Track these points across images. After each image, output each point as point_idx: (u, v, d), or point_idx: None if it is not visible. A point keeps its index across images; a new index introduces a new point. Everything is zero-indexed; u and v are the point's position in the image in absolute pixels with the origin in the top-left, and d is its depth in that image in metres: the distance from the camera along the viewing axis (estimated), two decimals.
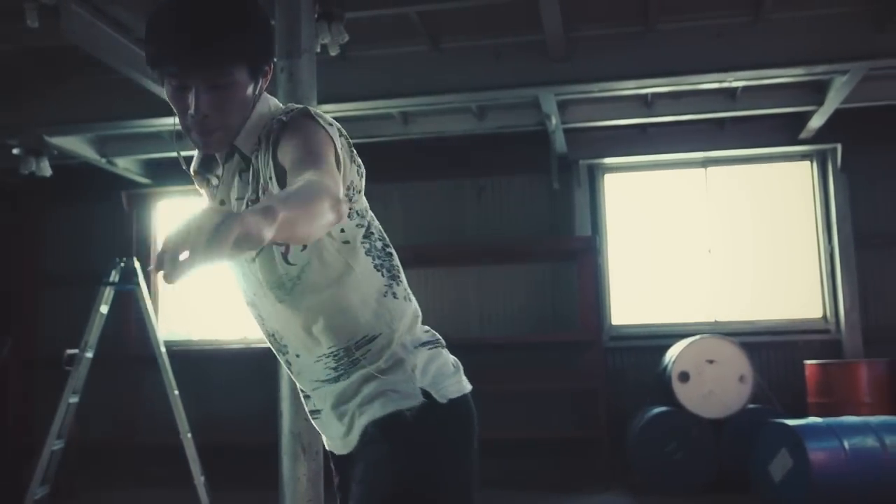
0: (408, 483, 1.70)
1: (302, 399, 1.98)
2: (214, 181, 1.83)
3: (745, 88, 6.81)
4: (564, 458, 7.90)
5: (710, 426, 6.98)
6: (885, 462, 6.20)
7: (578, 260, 8.21)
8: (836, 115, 7.15)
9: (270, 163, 1.69)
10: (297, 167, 1.53)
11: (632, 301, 8.38)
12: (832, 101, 6.77)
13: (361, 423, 1.79)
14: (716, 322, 8.24)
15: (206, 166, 1.84)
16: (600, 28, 5.71)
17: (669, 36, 5.61)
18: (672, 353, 7.27)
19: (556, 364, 8.08)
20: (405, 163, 8.22)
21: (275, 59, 2.01)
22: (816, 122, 7.28)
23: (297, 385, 1.94)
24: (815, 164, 8.29)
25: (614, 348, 8.07)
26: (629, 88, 6.48)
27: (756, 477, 6.49)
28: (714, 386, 7.05)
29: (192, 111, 1.67)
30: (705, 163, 8.42)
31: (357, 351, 1.79)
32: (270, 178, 1.69)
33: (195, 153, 1.84)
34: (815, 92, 6.97)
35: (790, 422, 6.40)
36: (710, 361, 7.08)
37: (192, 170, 1.87)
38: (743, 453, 6.68)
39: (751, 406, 7.04)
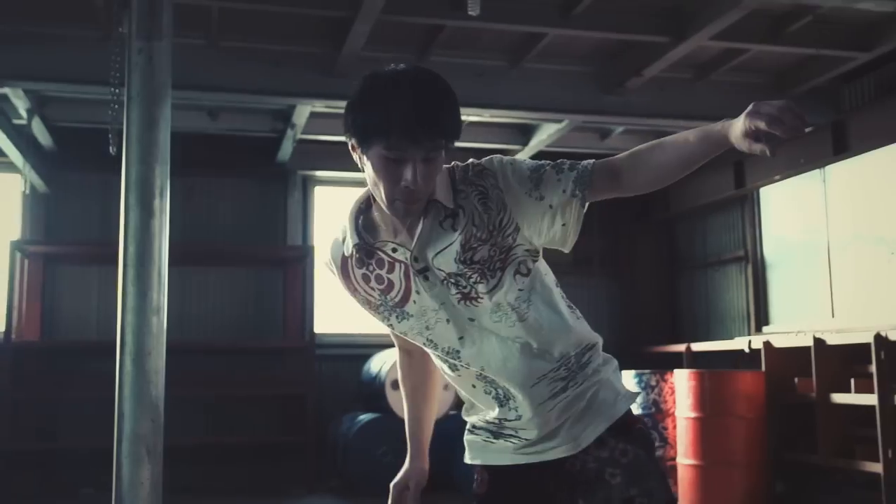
0: (666, 481, 1.96)
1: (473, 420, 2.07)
2: (391, 246, 1.89)
3: (470, 123, 7.50)
4: (272, 463, 7.95)
5: None
6: None
7: (288, 268, 8.33)
8: (537, 156, 8.14)
9: (523, 188, 1.83)
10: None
11: (334, 311, 8.68)
12: (535, 146, 7.73)
13: (598, 424, 1.92)
14: None
15: (369, 235, 1.92)
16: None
17: (437, 68, 6.04)
18: (384, 362, 7.69)
19: (264, 370, 8.11)
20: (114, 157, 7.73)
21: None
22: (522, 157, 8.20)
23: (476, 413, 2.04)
24: None
25: (320, 356, 8.29)
26: None
27: (460, 476, 7.13)
28: None
29: (407, 183, 1.74)
30: None
31: (584, 356, 1.96)
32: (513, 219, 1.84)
33: (345, 234, 1.95)
34: (522, 134, 7.88)
35: None
36: None
37: (351, 247, 1.93)
38: (448, 455, 7.28)
39: (452, 412, 7.70)
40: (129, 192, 3.79)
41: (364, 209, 1.94)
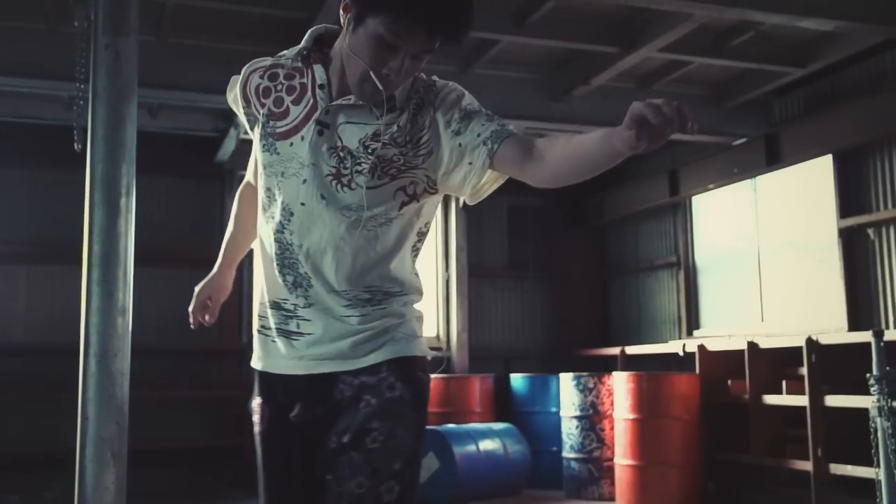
0: (420, 440, 1.89)
1: (265, 307, 2.00)
2: (320, 81, 1.88)
3: None
4: (210, 467, 7.83)
5: None
6: (507, 461, 7.31)
7: None
8: None
9: (445, 115, 1.84)
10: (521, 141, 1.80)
11: None
12: None
13: (384, 350, 1.86)
14: None
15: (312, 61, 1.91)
16: None
17: None
18: None
19: (201, 372, 7.99)
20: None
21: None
22: None
23: (268, 294, 1.97)
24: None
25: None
26: None
27: None
28: None
29: (391, 72, 1.73)
30: None
31: (397, 295, 1.91)
32: (446, 123, 1.83)
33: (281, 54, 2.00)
34: None
35: (437, 428, 7.20)
36: None
37: (293, 54, 1.93)
38: None
39: None
40: (95, 190, 3.73)
41: (322, 44, 1.93)
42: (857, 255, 6.36)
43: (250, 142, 7.49)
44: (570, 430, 7.43)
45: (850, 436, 5.85)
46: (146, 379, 7.57)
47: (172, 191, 8.32)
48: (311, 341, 1.90)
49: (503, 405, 8.50)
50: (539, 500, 7.38)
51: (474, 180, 1.82)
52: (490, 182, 1.84)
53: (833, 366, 5.92)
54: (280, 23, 5.49)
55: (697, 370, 6.95)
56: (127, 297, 3.65)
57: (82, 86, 3.77)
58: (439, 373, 8.63)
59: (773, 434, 6.38)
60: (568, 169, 1.71)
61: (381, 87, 1.75)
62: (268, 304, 1.97)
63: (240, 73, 2.05)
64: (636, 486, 6.71)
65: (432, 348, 9.08)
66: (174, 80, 5.92)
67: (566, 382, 7.51)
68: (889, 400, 3.77)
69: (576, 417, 7.38)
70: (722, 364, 6.89)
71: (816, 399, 5.87)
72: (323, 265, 1.87)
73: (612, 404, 7.15)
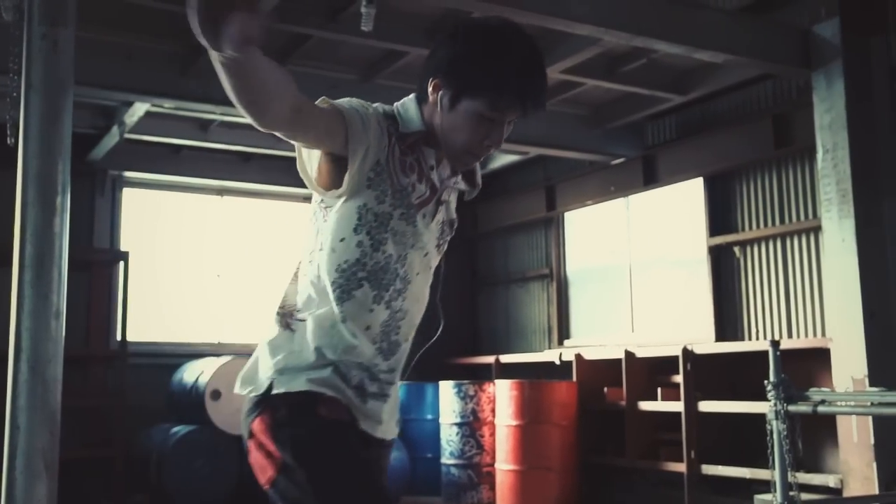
0: None
1: (347, 366, 1.92)
2: (431, 163, 1.95)
3: None
4: (76, 478, 7.42)
5: (235, 442, 7.35)
6: (389, 468, 7.36)
7: (94, 272, 7.86)
8: None
9: None
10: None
11: (145, 319, 8.29)
12: None
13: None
14: (219, 344, 8.61)
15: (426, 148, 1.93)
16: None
17: (293, 76, 6.03)
18: (203, 371, 7.45)
19: (66, 380, 7.55)
20: None
21: None
22: None
23: (373, 369, 1.94)
24: None
25: (129, 365, 7.87)
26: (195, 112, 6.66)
27: None
28: (242, 403, 7.42)
29: (491, 143, 1.87)
30: (221, 191, 8.82)
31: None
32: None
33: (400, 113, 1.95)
34: None
35: None
36: None
37: (414, 130, 1.89)
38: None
39: None
40: (28, 188, 3.57)
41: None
42: (723, 270, 6.86)
43: (134, 142, 7.17)
44: (449, 436, 7.57)
45: (720, 438, 6.35)
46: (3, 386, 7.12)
47: None
48: (390, 408, 2.00)
49: None
50: None
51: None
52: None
53: (704, 374, 6.38)
54: (182, 19, 5.34)
55: (575, 378, 7.27)
56: (61, 299, 3.50)
57: (15, 77, 3.58)
58: None
59: (647, 438, 6.77)
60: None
61: (479, 157, 1.91)
62: (353, 363, 1.93)
63: (364, 104, 1.89)
64: (517, 491, 6.93)
65: None
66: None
67: (446, 390, 7.65)
68: (785, 404, 4.12)
69: (456, 424, 7.53)
70: (598, 372, 7.24)
71: (691, 405, 6.29)
72: (412, 330, 2.00)
73: (492, 411, 7.35)
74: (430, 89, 1.88)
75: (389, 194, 1.86)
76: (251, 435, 1.90)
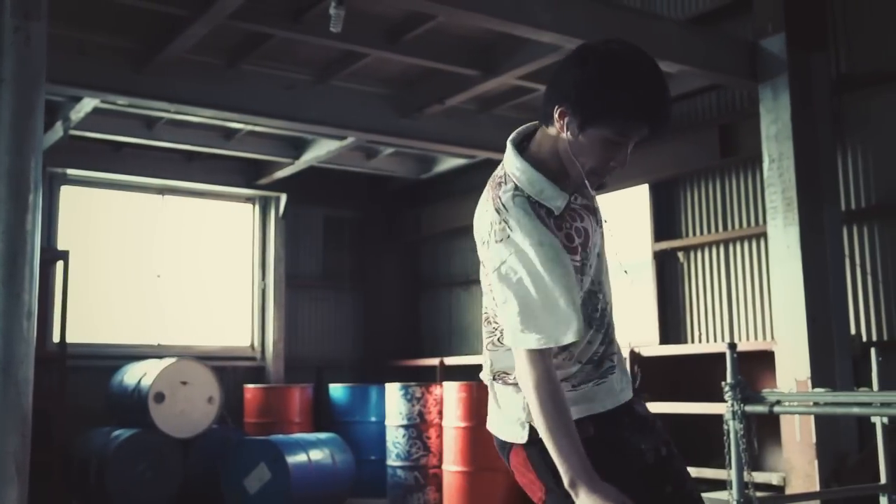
0: None
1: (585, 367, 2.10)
2: (573, 195, 2.02)
3: (245, 132, 7.40)
4: None
5: (179, 445, 7.24)
6: (335, 471, 7.35)
7: None
8: (307, 171, 8.22)
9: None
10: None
11: (84, 319, 8.09)
12: (307, 160, 7.83)
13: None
14: (158, 345, 8.46)
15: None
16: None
17: (249, 76, 6.01)
18: (146, 373, 7.32)
19: None
20: None
21: None
22: (283, 173, 8.24)
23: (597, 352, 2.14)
24: (257, 209, 9.21)
25: (68, 367, 7.67)
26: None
27: (229, 491, 6.99)
28: (186, 406, 7.33)
29: (618, 163, 1.94)
30: (163, 190, 8.67)
31: None
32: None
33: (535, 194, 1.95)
34: (294, 147, 7.93)
35: (267, 438, 7.12)
36: (184, 383, 7.35)
37: (561, 207, 1.95)
38: (210, 469, 7.12)
39: (213, 426, 7.50)
40: (0, 184, 3.51)
41: (537, 169, 1.95)
42: (667, 275, 7.04)
43: (78, 138, 6.96)
44: (395, 438, 7.59)
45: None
46: None
47: None
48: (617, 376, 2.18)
49: (321, 415, 8.52)
50: None
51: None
52: None
53: (650, 375, 6.53)
54: (151, 17, 5.26)
55: None
56: (33, 299, 3.44)
57: None
58: (247, 383, 8.52)
59: None
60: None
61: (603, 177, 1.98)
62: (585, 362, 2.11)
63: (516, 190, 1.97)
64: (464, 492, 6.98)
65: (246, 358, 8.95)
66: None
67: (392, 392, 7.66)
68: (742, 405, 4.27)
69: (402, 426, 7.55)
70: None
71: None
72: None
73: (439, 413, 7.39)
74: (556, 116, 1.91)
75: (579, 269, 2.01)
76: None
